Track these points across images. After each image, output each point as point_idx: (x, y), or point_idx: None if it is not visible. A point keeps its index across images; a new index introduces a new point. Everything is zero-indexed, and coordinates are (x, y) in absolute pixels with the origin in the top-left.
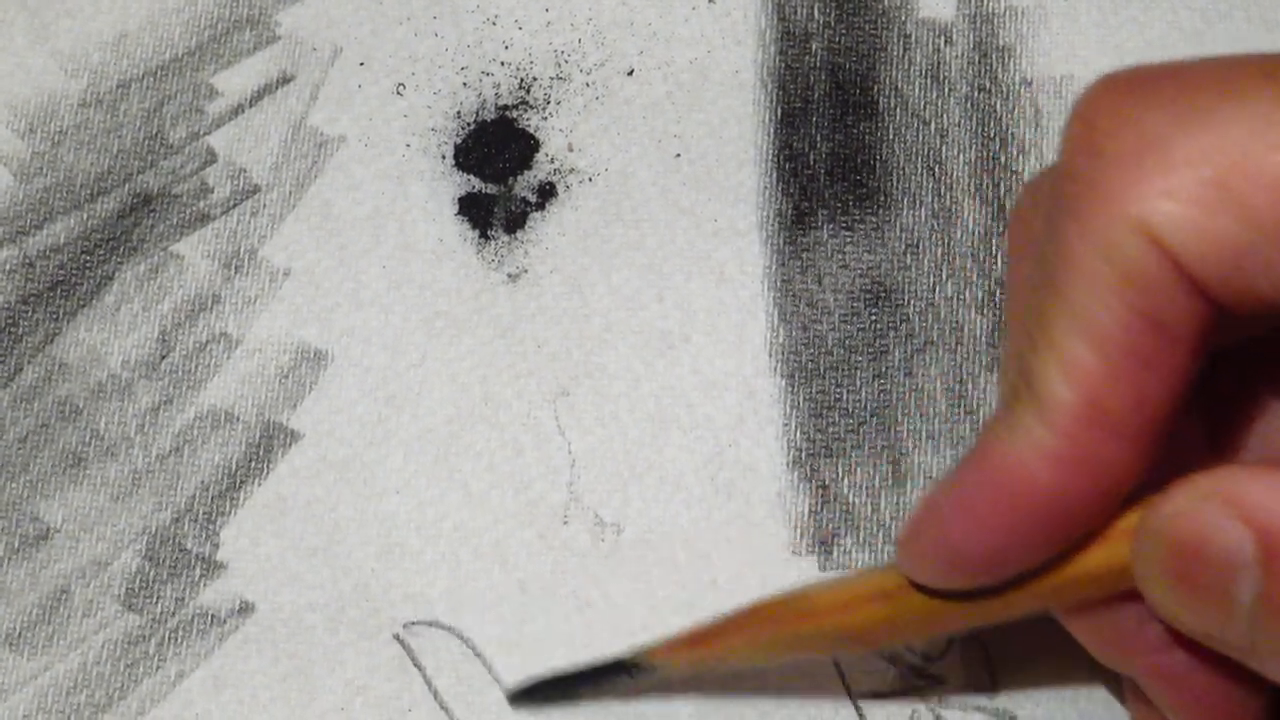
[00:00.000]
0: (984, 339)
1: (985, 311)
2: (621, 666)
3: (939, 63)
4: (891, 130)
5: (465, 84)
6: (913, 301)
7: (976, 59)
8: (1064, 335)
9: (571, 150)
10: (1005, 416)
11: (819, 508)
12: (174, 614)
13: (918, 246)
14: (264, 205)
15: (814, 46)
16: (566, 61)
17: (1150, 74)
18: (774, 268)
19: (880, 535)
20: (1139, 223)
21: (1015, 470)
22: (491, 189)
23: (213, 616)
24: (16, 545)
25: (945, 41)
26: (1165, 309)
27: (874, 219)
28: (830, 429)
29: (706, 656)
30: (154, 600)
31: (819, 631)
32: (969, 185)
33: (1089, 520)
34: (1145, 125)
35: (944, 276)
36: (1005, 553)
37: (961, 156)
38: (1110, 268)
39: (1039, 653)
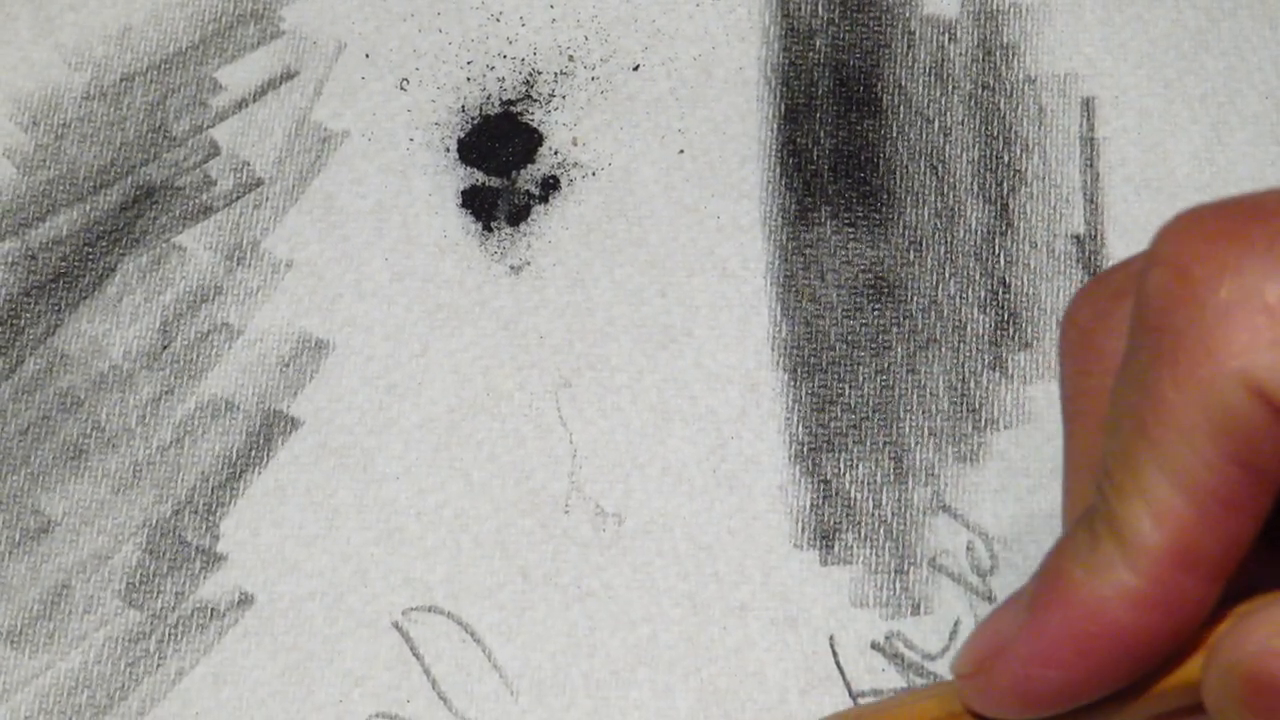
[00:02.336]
0: (986, 337)
1: (987, 309)
2: None
3: (943, 60)
4: (895, 127)
5: (469, 78)
6: (915, 298)
7: (980, 56)
8: (1154, 482)
9: (575, 145)
10: (1086, 558)
11: (820, 502)
12: (174, 609)
13: (920, 244)
14: (266, 198)
15: (818, 43)
16: (571, 57)
17: (1236, 213)
18: (777, 263)
19: (881, 530)
20: (1243, 376)
21: (1097, 612)
22: (495, 182)
23: (213, 610)
24: (18, 538)
25: (949, 39)
26: (1264, 456)
27: (877, 216)
28: (832, 424)
29: None
30: (154, 595)
31: None
32: (972, 183)
33: (1166, 654)
34: (1244, 274)
35: (946, 274)
36: (1080, 689)
37: (965, 154)
38: (1209, 418)
39: None
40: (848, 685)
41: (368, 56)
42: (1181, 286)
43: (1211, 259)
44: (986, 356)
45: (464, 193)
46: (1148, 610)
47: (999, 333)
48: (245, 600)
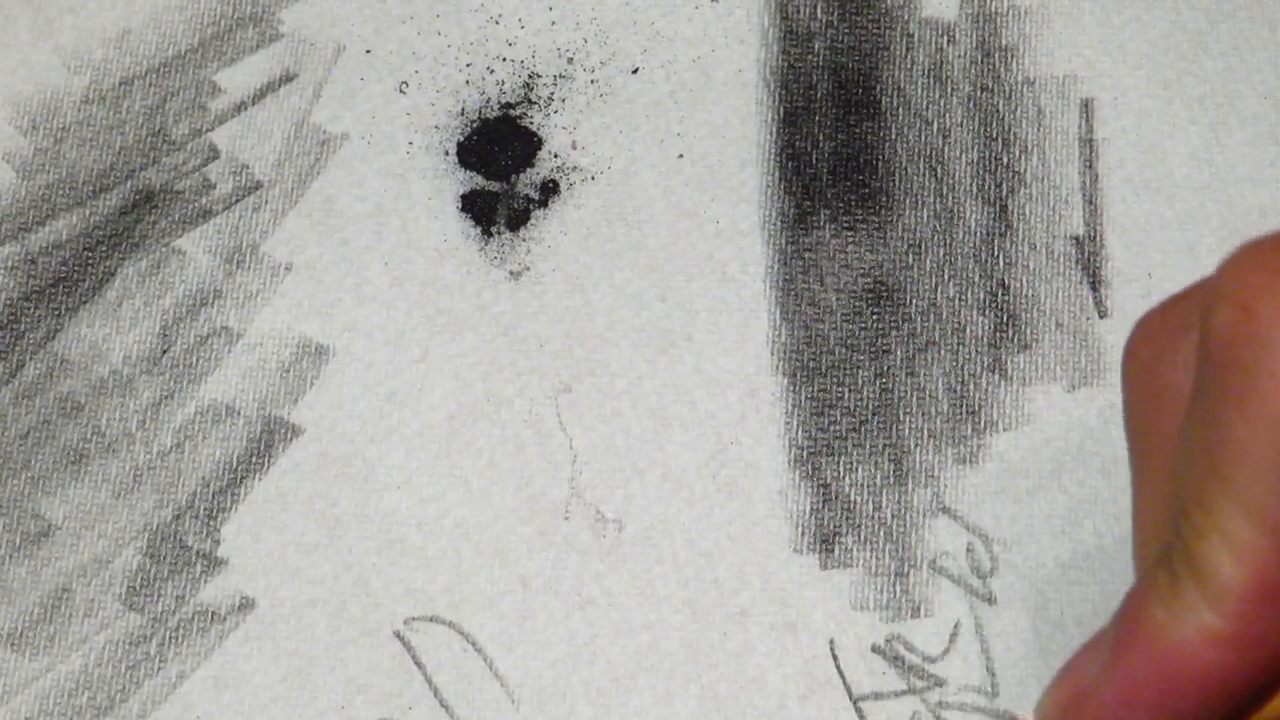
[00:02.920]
0: (985, 339)
1: (987, 312)
2: None
3: (942, 62)
4: (894, 130)
5: (468, 81)
6: (914, 301)
7: (979, 59)
8: (1231, 520)
9: (574, 148)
10: (1166, 600)
11: (820, 506)
12: (175, 612)
13: (920, 247)
14: (266, 201)
15: (817, 46)
16: (570, 59)
17: None
18: (776, 267)
19: (881, 533)
20: None
21: (1182, 654)
22: (494, 186)
23: (213, 614)
24: (18, 543)
25: (948, 41)
26: None
27: (876, 219)
28: (832, 428)
29: None
30: (155, 599)
31: None
32: (971, 185)
33: (1254, 692)
34: None
35: (946, 277)
36: None
37: (964, 157)
38: None
39: (1039, 653)
40: (848, 689)
41: (365, 62)
42: (1247, 323)
43: (1276, 294)
44: (986, 359)
45: (463, 197)
46: (1233, 649)
47: (998, 335)
48: (246, 605)
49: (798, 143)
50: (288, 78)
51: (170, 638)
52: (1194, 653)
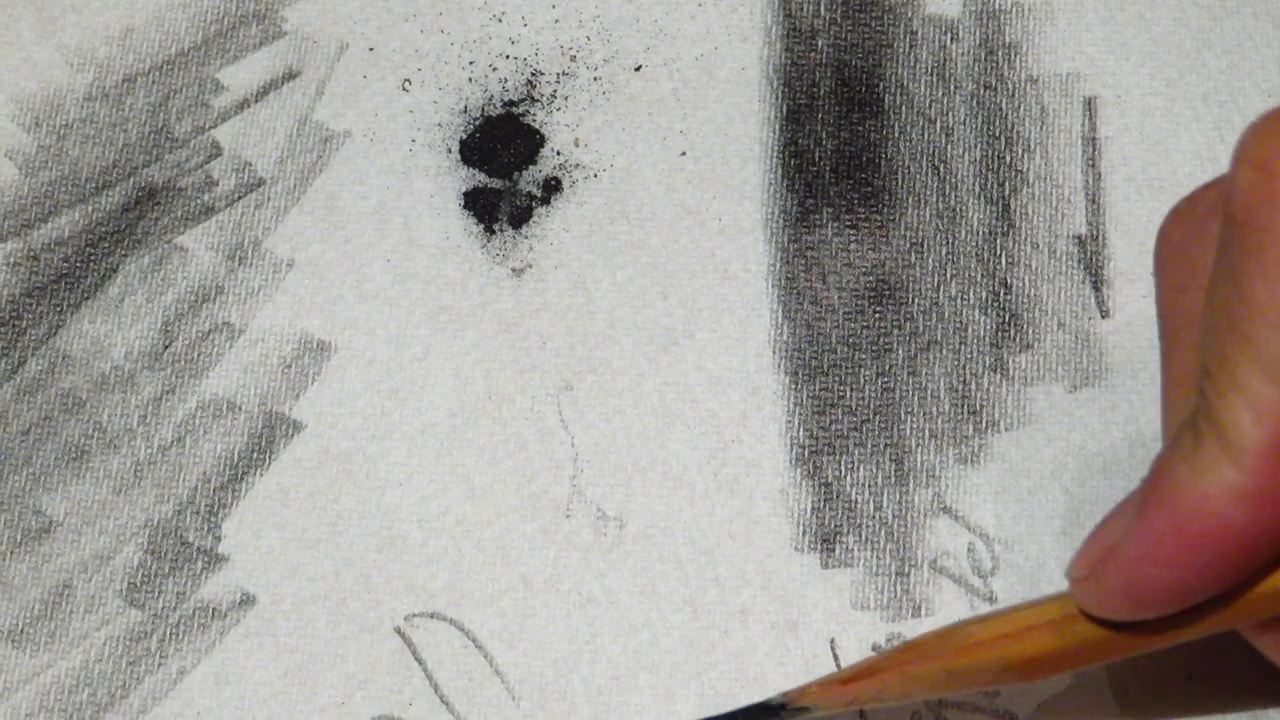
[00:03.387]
0: (987, 339)
1: (989, 311)
2: (772, 709)
3: (945, 60)
4: (897, 128)
5: (471, 79)
6: (916, 300)
7: (982, 56)
8: (1251, 377)
9: (577, 146)
10: (1190, 457)
11: (821, 505)
12: (175, 608)
13: (922, 245)
14: (268, 198)
15: (820, 43)
16: (573, 58)
17: None
18: (778, 265)
19: (882, 533)
20: None
21: (1205, 510)
22: (496, 184)
23: (214, 610)
24: (19, 539)
25: (951, 38)
26: None
27: (879, 217)
28: (833, 426)
29: (860, 694)
30: (156, 595)
31: (982, 664)
32: (974, 184)
33: (1273, 551)
34: None
35: (948, 276)
36: (1192, 588)
37: (967, 155)
38: None
39: None
40: None
41: (368, 60)
42: (1265, 183)
43: None
44: (988, 358)
45: (466, 194)
46: (1254, 505)
47: (1000, 334)
48: (247, 601)
49: (800, 140)
50: (290, 75)
51: (171, 634)
52: (1215, 508)
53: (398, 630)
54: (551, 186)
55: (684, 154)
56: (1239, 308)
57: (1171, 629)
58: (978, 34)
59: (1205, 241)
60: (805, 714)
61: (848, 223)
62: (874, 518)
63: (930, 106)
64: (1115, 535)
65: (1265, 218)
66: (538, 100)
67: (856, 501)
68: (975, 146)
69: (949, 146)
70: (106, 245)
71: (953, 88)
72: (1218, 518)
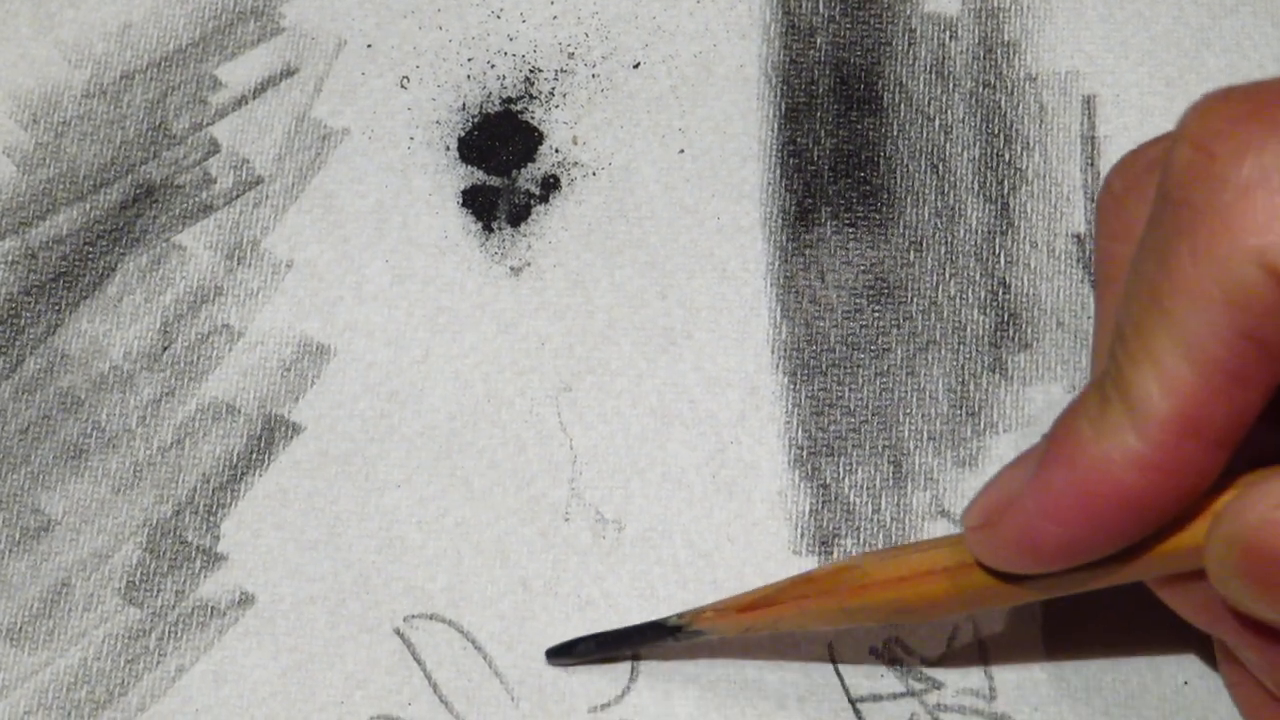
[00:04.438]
0: (986, 339)
1: (988, 311)
2: (667, 629)
3: (944, 58)
4: (895, 126)
5: (469, 76)
6: (915, 300)
7: (981, 54)
8: (1165, 351)
9: (575, 143)
10: (1094, 419)
11: (820, 507)
12: (174, 607)
13: (921, 244)
14: (266, 197)
15: (819, 41)
16: (571, 55)
17: (1263, 95)
18: (777, 264)
19: (880, 535)
20: (1259, 253)
21: (1103, 472)
22: (495, 182)
23: (213, 609)
24: (18, 537)
25: (950, 36)
26: (1275, 332)
27: (877, 216)
28: (832, 427)
29: (756, 623)
30: (154, 593)
31: (876, 604)
32: (973, 183)
33: (1169, 517)
34: (1266, 155)
35: (947, 275)
36: (1083, 546)
37: (965, 153)
38: (1222, 293)
39: (1037, 656)
40: (847, 691)
41: (366, 57)
42: (1205, 163)
43: (1235, 138)
44: (986, 358)
45: (464, 192)
46: (1151, 474)
47: (999, 334)
48: (246, 600)
49: (799, 139)
50: (288, 72)
51: (169, 632)
52: (1114, 472)
53: (397, 631)
54: (550, 184)
55: (682, 152)
56: (1163, 282)
57: (1064, 583)
58: (976, 32)
59: (1142, 195)
60: (700, 636)
61: (846, 221)
62: (872, 520)
63: (929, 104)
64: (1013, 487)
65: (1200, 198)
66: (536, 98)
67: (855, 504)
68: (974, 145)
69: (948, 145)
70: (105, 243)
71: (951, 86)
72: (1116, 483)
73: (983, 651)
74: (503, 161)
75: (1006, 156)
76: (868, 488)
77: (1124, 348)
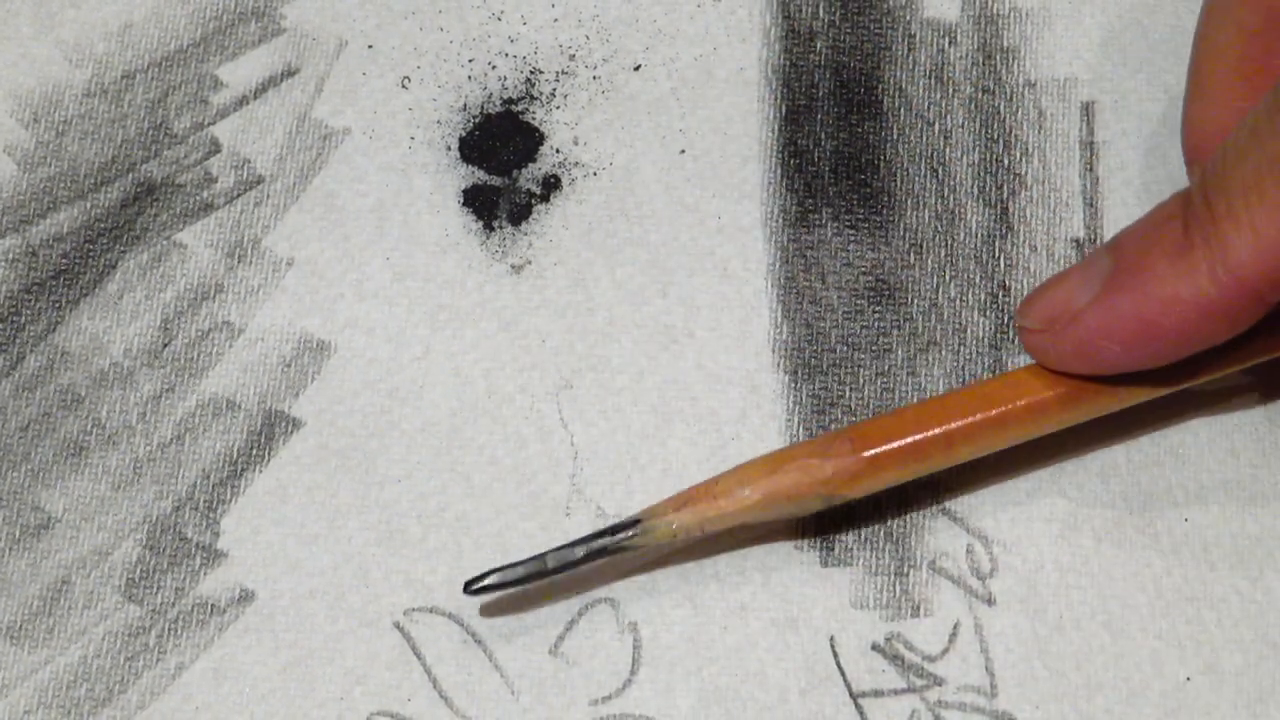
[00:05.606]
0: (986, 340)
1: (988, 313)
2: (625, 525)
3: (943, 63)
4: (895, 130)
5: (470, 77)
6: (915, 301)
7: (980, 60)
8: (1267, 225)
9: (576, 144)
10: (1173, 256)
11: None
12: (174, 604)
13: (921, 246)
14: (267, 196)
15: (819, 45)
16: (572, 57)
17: None
18: (777, 264)
19: (881, 533)
20: None
21: (1171, 310)
22: (496, 181)
23: (213, 606)
24: (18, 535)
25: (950, 42)
26: None
27: (878, 218)
28: (832, 426)
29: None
30: (154, 590)
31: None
32: (972, 187)
33: (1212, 356)
34: None
35: (947, 277)
36: (1134, 364)
37: (965, 158)
38: None
39: (1038, 655)
40: (848, 686)
41: (368, 58)
42: None
43: None
44: (986, 360)
45: (465, 192)
46: (1216, 319)
47: (999, 336)
48: (246, 597)
49: (799, 141)
50: (290, 72)
51: (169, 629)
52: (1182, 313)
53: (397, 625)
54: (551, 184)
55: (683, 152)
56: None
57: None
58: (976, 38)
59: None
60: (641, 537)
61: (847, 223)
62: (872, 517)
63: (929, 109)
64: (1076, 300)
65: None
66: (537, 98)
67: (855, 501)
68: (973, 149)
69: (947, 149)
70: (105, 241)
71: (951, 91)
72: (1181, 322)
73: (984, 649)
74: (504, 161)
75: (1006, 161)
76: None
77: (1224, 198)
